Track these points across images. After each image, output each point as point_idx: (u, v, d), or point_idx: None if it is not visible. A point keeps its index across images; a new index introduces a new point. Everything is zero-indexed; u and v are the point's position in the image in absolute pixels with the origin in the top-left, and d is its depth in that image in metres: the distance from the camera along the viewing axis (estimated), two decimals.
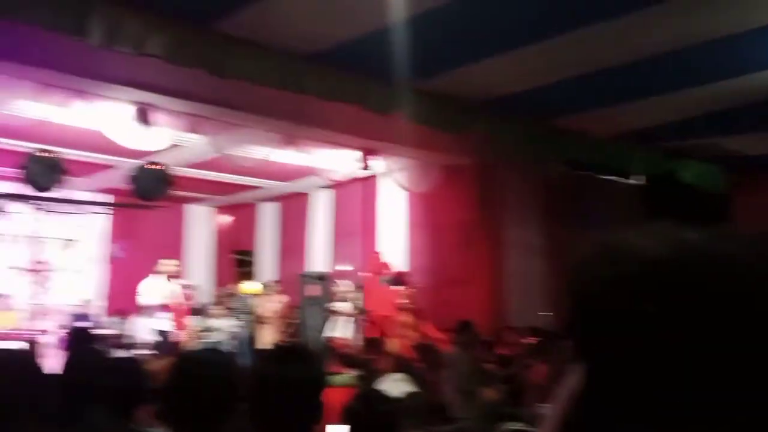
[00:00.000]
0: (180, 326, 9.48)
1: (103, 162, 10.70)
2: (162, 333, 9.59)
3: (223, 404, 2.19)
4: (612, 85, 8.07)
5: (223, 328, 12.13)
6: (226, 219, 15.93)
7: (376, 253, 10.88)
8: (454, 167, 10.84)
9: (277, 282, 13.37)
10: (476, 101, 8.88)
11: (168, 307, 9.44)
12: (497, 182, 10.95)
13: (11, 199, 7.69)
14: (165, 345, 9.46)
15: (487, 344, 8.26)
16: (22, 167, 7.35)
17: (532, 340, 8.67)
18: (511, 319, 10.31)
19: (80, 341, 4.22)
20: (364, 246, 10.70)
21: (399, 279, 10.80)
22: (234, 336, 12.27)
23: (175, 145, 9.45)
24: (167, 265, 9.54)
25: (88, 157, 10.16)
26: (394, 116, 9.00)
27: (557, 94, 8.33)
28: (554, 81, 8.04)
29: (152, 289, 9.48)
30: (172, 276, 9.49)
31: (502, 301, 10.61)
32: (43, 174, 7.40)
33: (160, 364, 4.51)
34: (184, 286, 9.61)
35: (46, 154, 7.49)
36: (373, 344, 8.94)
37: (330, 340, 11.08)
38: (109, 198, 12.59)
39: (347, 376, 10.74)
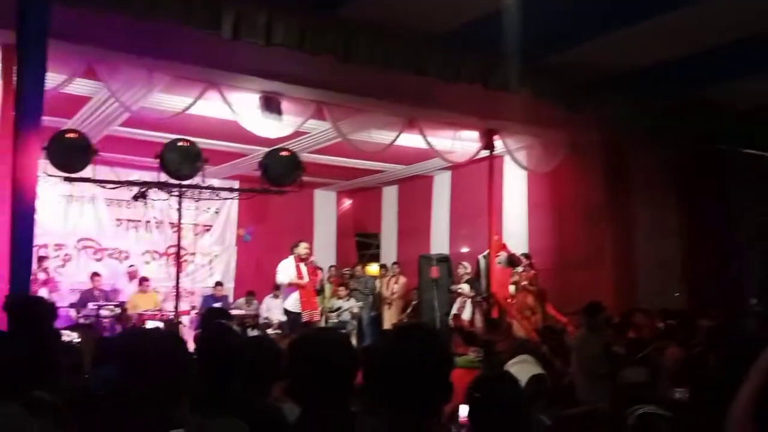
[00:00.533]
0: (308, 306, 9.75)
1: (236, 150, 11.16)
2: (291, 313, 9.92)
3: (345, 382, 2.20)
4: (749, 55, 7.53)
5: (345, 308, 12.47)
6: (349, 203, 16.22)
7: (496, 234, 10.74)
8: (578, 145, 10.52)
9: (397, 264, 13.60)
10: (602, 76, 8.57)
11: (300, 288, 9.72)
12: (625, 160, 10.52)
13: (151, 187, 8.12)
14: (295, 324, 9.81)
15: (617, 327, 8.00)
16: (161, 156, 7.76)
17: (664, 322, 8.32)
18: (640, 301, 9.92)
19: (214, 321, 4.40)
20: (483, 227, 10.58)
21: (514, 260, 10.65)
22: (355, 316, 12.58)
23: (302, 132, 9.70)
24: (300, 247, 9.84)
25: (222, 145, 10.62)
26: (516, 95, 8.85)
27: (691, 67, 7.87)
28: (686, 53, 7.60)
29: (286, 270, 9.79)
30: (303, 258, 9.76)
31: (630, 283, 10.22)
32: (181, 162, 7.77)
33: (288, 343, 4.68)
34: (315, 268, 9.87)
35: (184, 144, 7.88)
36: (495, 325, 8.90)
37: (452, 320, 11.10)
38: (239, 185, 13.16)
39: (470, 357, 10.79)
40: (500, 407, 2.40)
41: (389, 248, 14.72)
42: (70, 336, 4.24)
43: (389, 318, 12.71)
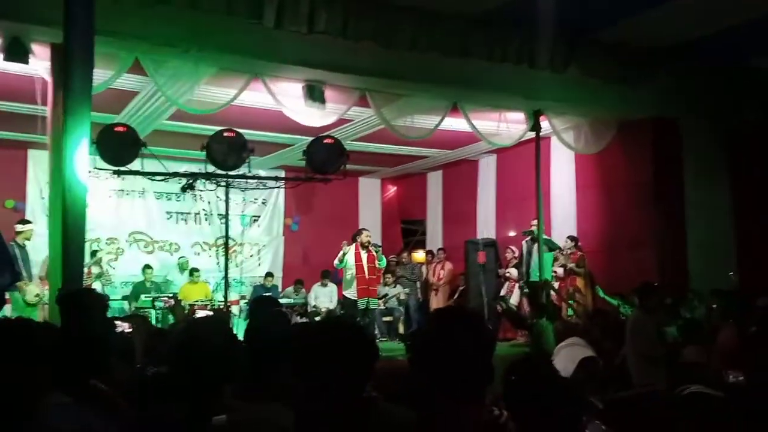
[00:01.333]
0: (366, 293, 9.81)
1: (281, 140, 11.22)
2: (348, 299, 9.97)
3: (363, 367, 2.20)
4: None
5: (392, 295, 12.49)
6: (393, 190, 16.21)
7: (534, 219, 10.62)
8: (628, 123, 10.29)
9: (443, 249, 13.56)
10: (653, 51, 8.33)
11: (358, 275, 9.79)
12: (676, 138, 10.24)
13: (198, 178, 8.22)
14: (350, 311, 9.86)
15: (670, 308, 7.82)
16: (208, 148, 7.84)
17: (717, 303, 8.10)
18: (691, 282, 9.70)
19: (264, 309, 4.44)
20: (530, 211, 10.46)
21: (552, 243, 10.55)
22: (402, 303, 12.60)
23: (346, 120, 9.69)
24: (363, 235, 9.93)
25: (267, 136, 10.70)
26: (563, 74, 8.69)
27: (747, 37, 7.56)
28: (742, 21, 7.29)
29: (345, 258, 9.90)
30: (365, 246, 9.83)
31: (681, 263, 9.98)
32: (228, 153, 7.84)
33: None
34: (374, 257, 9.89)
35: (230, 135, 7.94)
36: (543, 308, 8.82)
37: (500, 305, 11.03)
38: (285, 174, 13.25)
39: (518, 343, 10.72)
40: (536, 389, 2.35)
41: (435, 234, 14.68)
42: (122, 326, 4.31)
43: (436, 304, 12.65)
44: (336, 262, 10.09)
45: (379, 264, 10.03)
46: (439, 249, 13.62)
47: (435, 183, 14.85)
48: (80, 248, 5.67)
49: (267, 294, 11.28)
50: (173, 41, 7.18)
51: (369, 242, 9.89)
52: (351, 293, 9.90)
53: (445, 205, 14.60)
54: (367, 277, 9.79)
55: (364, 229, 10.18)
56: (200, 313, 10.08)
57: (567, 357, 3.70)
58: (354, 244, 9.94)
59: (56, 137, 6.33)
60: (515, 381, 2.37)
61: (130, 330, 4.16)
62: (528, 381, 2.34)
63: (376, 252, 9.89)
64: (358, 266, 9.79)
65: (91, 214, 6.05)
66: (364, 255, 9.80)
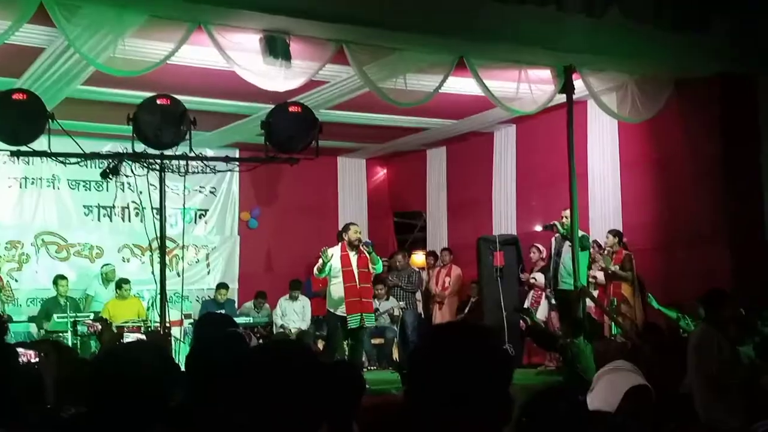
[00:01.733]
0: (356, 308, 9.69)
1: (233, 110, 11.22)
2: (333, 316, 9.86)
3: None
4: None
5: (383, 310, 12.49)
6: (383, 173, 16.21)
7: (565, 209, 10.64)
8: (688, 82, 10.32)
9: (449, 250, 13.55)
10: None
11: (346, 285, 9.70)
12: (752, 99, 10.28)
13: (124, 160, 8.18)
14: (334, 331, 9.86)
15: (745, 322, 7.87)
16: (135, 120, 7.81)
17: None
18: None
19: (213, 331, 4.43)
20: (562, 198, 10.47)
21: (588, 241, 10.59)
22: (396, 320, 12.60)
23: (318, 82, 9.64)
24: (351, 231, 9.84)
25: (214, 104, 10.70)
26: (602, 18, 8.69)
27: None
28: None
29: (328, 265, 9.77)
30: (354, 246, 9.75)
31: (757, 263, 10.04)
32: (162, 126, 7.82)
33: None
34: (367, 259, 9.82)
35: (164, 102, 7.92)
36: (578, 324, 8.85)
37: (523, 320, 11.05)
38: (239, 154, 13.23)
39: (548, 370, 10.75)
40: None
41: (438, 230, 14.73)
42: (27, 355, 4.28)
43: (441, 320, 12.70)
44: (315, 271, 10.00)
45: (374, 268, 9.98)
46: (444, 249, 13.63)
47: (437, 163, 14.88)
48: None
49: (218, 312, 11.25)
50: None
51: (359, 240, 9.85)
52: (338, 308, 9.86)
53: (450, 191, 14.63)
54: (358, 286, 9.70)
55: (351, 223, 10.12)
56: (130, 338, 10.06)
57: (609, 386, 3.72)
58: (339, 245, 9.90)
59: None
60: (528, 424, 2.36)
61: (37, 360, 4.14)
62: (548, 422, 2.32)
63: (369, 253, 9.85)
64: (347, 273, 9.70)
65: None
66: (353, 257, 9.74)
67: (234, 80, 8.71)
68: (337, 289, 9.77)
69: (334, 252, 9.82)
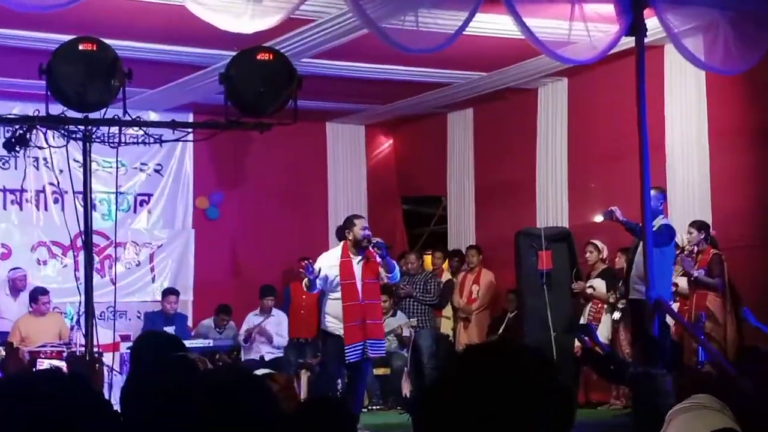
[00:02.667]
0: (360, 332, 9.68)
1: (183, 60, 11.19)
2: (331, 337, 9.86)
3: None
4: None
5: (389, 329, 12.46)
6: (388, 144, 16.17)
7: (659, 189, 10.55)
8: None
9: (477, 249, 13.53)
10: None
11: (347, 297, 9.68)
12: None
13: (35, 126, 8.10)
14: (329, 361, 9.87)
15: None
16: (49, 71, 7.74)
17: None
18: None
19: (156, 354, 4.40)
20: (629, 176, 10.42)
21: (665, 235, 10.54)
22: (405, 342, 12.58)
23: (299, 21, 9.61)
24: (357, 226, 9.79)
25: (158, 51, 10.69)
26: None
27: None
28: None
29: (327, 267, 9.72)
30: (362, 246, 9.70)
31: None
32: (86, 80, 7.75)
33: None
34: (376, 261, 9.77)
35: (88, 48, 7.85)
36: (652, 347, 8.84)
37: (581, 340, 11.01)
38: (193, 119, 13.18)
39: (614, 409, 10.68)
40: None
41: (462, 222, 14.76)
42: None
43: (467, 342, 12.66)
44: (305, 284, 9.96)
45: (387, 278, 9.97)
46: (470, 248, 13.65)
47: (460, 131, 14.90)
48: None
49: (164, 330, 11.19)
50: None
51: (369, 240, 9.80)
52: (334, 326, 9.81)
53: (478, 169, 14.65)
54: (363, 302, 9.72)
55: (356, 216, 10.11)
56: (44, 366, 10.02)
57: (684, 429, 3.65)
58: (341, 245, 9.86)
59: None
60: None
61: None
62: None
63: (382, 257, 9.79)
64: (347, 287, 9.69)
65: None
66: (357, 264, 9.74)
67: (185, 19, 8.68)
68: (335, 305, 9.79)
69: (332, 256, 9.80)
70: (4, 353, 10.87)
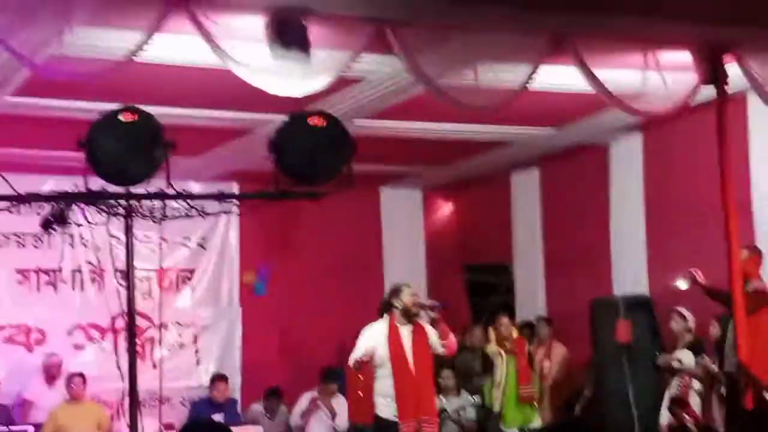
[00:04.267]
0: (415, 410, 9.62)
1: (228, 124, 11.29)
2: (383, 421, 9.86)
3: None
4: None
5: (452, 409, 12.35)
6: (449, 208, 16.14)
7: (751, 248, 10.44)
8: None
9: (547, 320, 13.47)
10: None
11: (399, 373, 9.65)
12: None
13: (73, 203, 8.15)
14: None
15: None
16: (89, 144, 7.79)
17: None
18: None
19: None
20: (715, 237, 10.34)
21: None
22: (469, 428, 12.46)
23: (350, 80, 9.67)
24: (405, 294, 9.79)
25: (201, 117, 10.80)
26: None
27: None
28: None
29: (373, 340, 9.74)
30: (410, 316, 9.71)
31: None
32: (127, 153, 7.78)
33: None
34: (424, 334, 9.76)
35: (130, 118, 7.89)
36: (755, 424, 8.72)
37: (675, 415, 10.87)
38: (238, 189, 13.26)
39: None
40: None
41: (530, 291, 14.73)
42: None
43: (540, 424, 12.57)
44: (352, 361, 9.95)
45: (443, 346, 9.97)
46: (541, 320, 13.55)
47: (526, 192, 14.93)
48: None
49: (211, 419, 11.17)
50: None
51: (421, 306, 9.79)
52: (387, 409, 9.78)
53: (547, 234, 14.63)
54: (415, 374, 9.71)
55: (403, 284, 10.08)
56: None
57: None
58: (388, 318, 9.85)
59: None
60: None
61: None
62: None
63: (436, 320, 9.79)
64: (397, 359, 9.72)
65: None
66: (406, 334, 9.75)
67: (229, 82, 8.70)
68: (383, 385, 9.79)
69: (379, 329, 9.82)
70: None
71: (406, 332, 9.75)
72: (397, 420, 9.68)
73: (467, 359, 13.19)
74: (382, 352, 9.71)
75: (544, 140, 13.02)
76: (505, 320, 12.24)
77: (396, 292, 10.01)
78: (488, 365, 12.93)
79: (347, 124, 8.86)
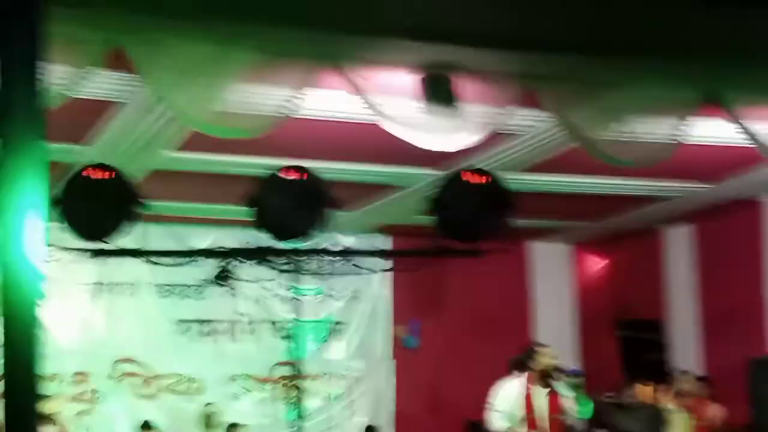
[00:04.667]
0: None
1: (380, 181, 11.45)
2: None
3: None
4: None
5: None
6: (600, 264, 16.02)
7: None
8: None
9: (705, 379, 13.15)
10: None
11: None
12: None
13: (243, 260, 8.34)
14: None
15: None
16: (258, 205, 7.94)
17: None
18: None
19: None
20: None
21: None
22: None
23: (500, 137, 9.68)
24: (543, 357, 9.73)
25: (352, 173, 10.89)
26: None
27: None
28: None
29: (507, 404, 9.75)
30: (546, 380, 9.65)
31: None
32: (296, 213, 7.89)
33: None
34: (555, 399, 9.68)
35: (297, 177, 8.01)
36: None
37: None
38: (393, 243, 13.42)
39: None
40: None
41: (686, 350, 14.51)
42: None
43: None
44: (495, 411, 9.92)
45: (576, 413, 9.84)
46: (699, 378, 13.23)
47: (680, 249, 14.79)
48: (29, 395, 5.86)
49: None
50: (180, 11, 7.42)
51: (558, 370, 9.73)
52: None
53: (702, 290, 14.45)
54: None
55: (540, 345, 10.00)
56: None
57: None
58: (523, 376, 9.82)
59: None
60: None
61: None
62: None
63: (572, 387, 9.70)
64: (533, 422, 9.68)
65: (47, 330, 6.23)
66: (542, 397, 9.68)
67: (383, 137, 8.80)
68: None
69: (512, 391, 9.75)
70: None
71: (541, 394, 9.70)
72: None
73: (622, 419, 12.98)
74: (518, 412, 9.68)
75: (698, 195, 12.84)
76: (689, 376, 12.08)
77: (531, 353, 9.93)
78: (655, 424, 12.74)
79: (504, 181, 8.88)
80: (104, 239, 8.09)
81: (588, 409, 9.93)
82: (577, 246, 15.71)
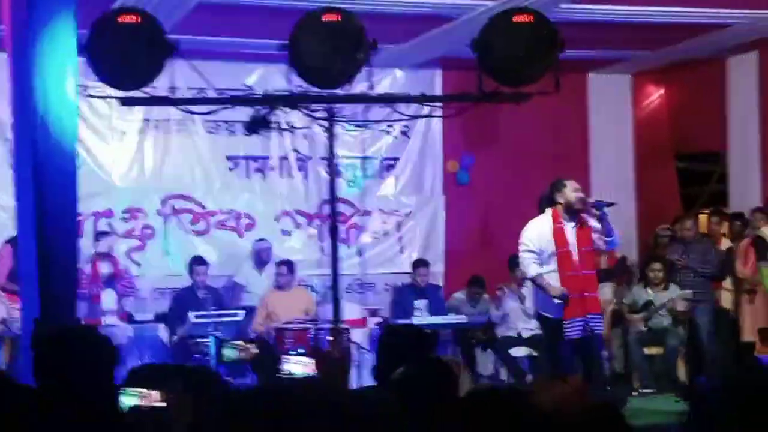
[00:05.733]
0: (578, 308, 9.52)
1: (429, 12, 11.21)
2: (547, 320, 9.86)
3: None
4: None
5: (660, 303, 12.22)
6: (659, 94, 15.82)
7: None
8: None
9: (763, 211, 13.10)
10: None
11: (563, 270, 9.58)
12: None
13: (277, 107, 8.25)
14: (551, 342, 9.81)
15: None
16: (293, 45, 7.82)
17: None
18: None
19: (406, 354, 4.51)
20: None
21: None
22: (683, 318, 12.36)
23: None
24: (567, 190, 9.67)
25: (403, 4, 10.76)
26: None
27: None
28: None
29: (536, 240, 9.67)
30: (572, 212, 9.61)
31: None
32: (331, 55, 7.77)
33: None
34: (585, 229, 9.66)
35: (332, 19, 7.84)
36: None
37: None
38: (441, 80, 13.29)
39: None
40: None
41: (746, 181, 14.40)
42: (150, 398, 4.15)
43: (753, 319, 12.45)
44: (525, 251, 9.88)
45: (606, 243, 9.88)
46: (756, 210, 13.23)
47: (743, 78, 14.51)
48: (71, 231, 5.85)
49: (403, 324, 10.93)
50: None
51: (583, 202, 9.68)
52: (549, 307, 9.77)
53: (765, 120, 14.19)
54: (581, 272, 9.64)
55: (564, 179, 9.91)
56: (292, 366, 10.16)
57: None
58: (549, 212, 9.79)
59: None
60: None
61: (164, 404, 4.08)
62: None
63: (601, 217, 9.66)
64: (563, 255, 9.66)
65: (89, 167, 6.18)
66: (570, 230, 9.67)
67: None
68: (550, 280, 9.71)
69: (541, 228, 9.73)
70: (253, 350, 11.15)
71: (570, 227, 9.65)
72: (559, 317, 9.60)
73: (680, 249, 12.92)
74: (547, 248, 9.65)
75: (764, 22, 12.53)
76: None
77: (559, 186, 9.84)
78: (708, 256, 12.72)
79: (554, 10, 8.71)
80: (135, 85, 7.98)
81: (614, 240, 9.89)
82: (637, 76, 15.45)
